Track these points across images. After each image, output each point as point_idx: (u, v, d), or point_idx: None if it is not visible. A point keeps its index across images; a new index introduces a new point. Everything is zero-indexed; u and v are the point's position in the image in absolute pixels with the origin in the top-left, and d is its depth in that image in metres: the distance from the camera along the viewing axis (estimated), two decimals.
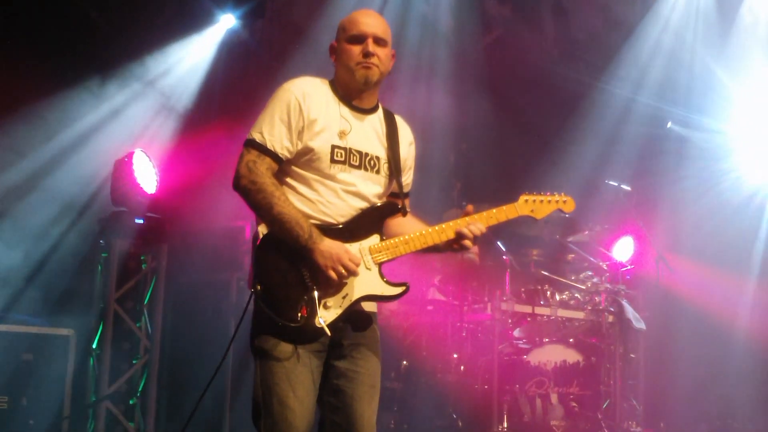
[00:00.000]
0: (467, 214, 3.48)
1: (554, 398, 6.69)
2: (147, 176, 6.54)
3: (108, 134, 7.17)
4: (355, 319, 3.37)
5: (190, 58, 7.90)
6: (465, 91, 9.07)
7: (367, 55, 3.38)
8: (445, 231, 3.44)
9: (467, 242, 3.45)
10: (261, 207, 3.25)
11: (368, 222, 3.39)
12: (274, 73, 8.01)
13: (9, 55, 6.63)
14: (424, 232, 3.42)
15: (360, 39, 3.40)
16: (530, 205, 3.61)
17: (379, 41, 3.42)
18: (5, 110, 6.55)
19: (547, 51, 9.77)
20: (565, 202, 3.67)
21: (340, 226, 3.34)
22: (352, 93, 3.45)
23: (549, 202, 3.64)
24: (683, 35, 8.99)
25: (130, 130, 7.30)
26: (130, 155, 6.47)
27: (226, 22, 8.11)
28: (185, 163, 7.21)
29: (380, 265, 3.36)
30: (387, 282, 3.36)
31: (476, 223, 3.45)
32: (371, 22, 3.44)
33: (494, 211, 3.52)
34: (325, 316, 3.24)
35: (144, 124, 7.42)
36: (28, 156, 6.77)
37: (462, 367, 6.88)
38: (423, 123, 8.68)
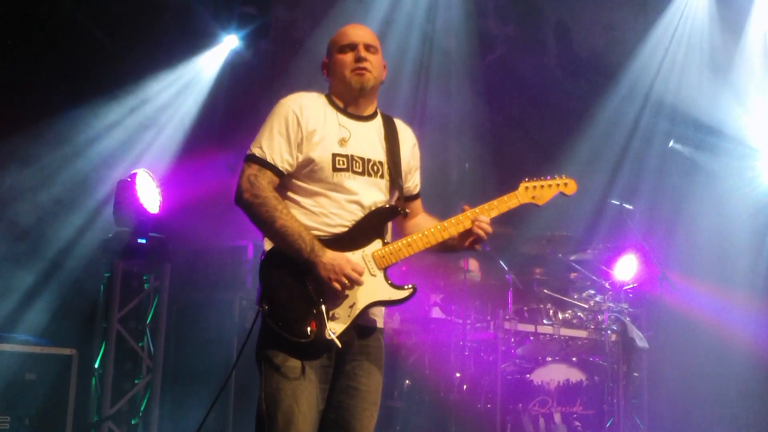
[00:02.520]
0: (464, 212, 3.47)
1: (557, 417, 6.66)
2: (150, 196, 6.56)
3: (112, 154, 7.21)
4: (360, 334, 3.37)
5: (194, 79, 7.95)
6: (468, 109, 9.10)
7: (359, 59, 3.44)
8: (447, 229, 3.43)
9: (479, 231, 3.42)
10: (263, 221, 3.26)
11: (369, 228, 3.38)
12: (278, 92, 7.98)
13: (14, 75, 6.68)
14: (426, 232, 3.41)
15: (351, 47, 3.46)
16: (531, 191, 3.58)
17: (369, 48, 3.48)
18: (11, 129, 6.58)
19: (549, 69, 9.79)
20: (566, 184, 3.65)
21: (341, 235, 3.33)
22: (349, 102, 3.49)
23: (550, 186, 3.62)
24: (686, 53, 9.01)
25: (134, 149, 7.33)
26: (133, 175, 6.50)
27: (230, 42, 8.16)
28: (188, 182, 7.23)
29: (385, 270, 3.35)
30: (393, 286, 3.35)
31: (480, 216, 3.43)
32: (359, 32, 3.51)
33: (495, 202, 3.50)
34: (334, 328, 3.24)
35: (147, 143, 7.46)
36: (32, 175, 6.80)
37: (465, 386, 6.85)
38: (425, 142, 8.70)
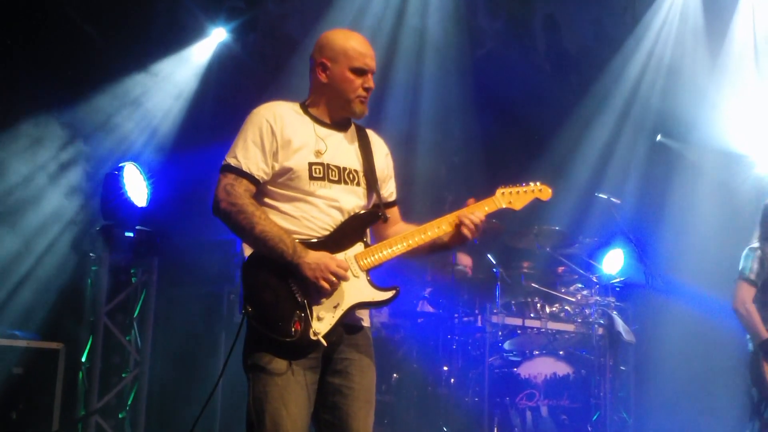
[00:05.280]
0: (468, 205, 3.51)
1: (544, 411, 6.69)
2: (138, 190, 6.54)
3: (99, 147, 7.18)
4: (348, 333, 3.38)
5: (182, 71, 7.92)
6: (457, 104, 9.11)
7: (368, 90, 3.48)
8: (426, 232, 3.46)
9: (467, 232, 3.46)
10: (242, 228, 3.27)
11: (350, 231, 3.40)
12: (267, 86, 8.04)
13: (3, 68, 6.65)
14: (407, 235, 3.44)
15: (364, 72, 3.47)
16: (507, 197, 3.63)
17: (373, 74, 3.52)
18: None
19: (538, 64, 9.81)
20: (540, 190, 3.70)
21: (323, 239, 3.35)
22: (332, 115, 3.50)
23: (525, 192, 3.67)
24: (673, 49, 9.04)
25: (122, 143, 7.31)
26: (121, 169, 6.48)
27: (218, 35, 8.13)
28: (176, 176, 7.22)
29: (367, 271, 3.38)
30: (376, 287, 3.37)
31: (471, 215, 3.46)
32: (371, 54, 3.52)
33: (473, 207, 3.54)
34: (319, 328, 3.24)
35: (136, 136, 7.43)
36: (18, 168, 6.77)
37: (452, 380, 6.88)
38: (415, 137, 8.72)
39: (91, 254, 6.57)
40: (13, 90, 6.64)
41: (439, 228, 3.48)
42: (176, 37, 7.83)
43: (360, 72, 3.46)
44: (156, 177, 6.88)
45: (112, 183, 6.45)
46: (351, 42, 3.51)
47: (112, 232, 6.47)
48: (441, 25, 9.04)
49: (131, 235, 6.51)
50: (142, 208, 6.56)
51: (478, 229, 3.47)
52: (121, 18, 7.38)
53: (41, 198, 6.81)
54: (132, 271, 6.76)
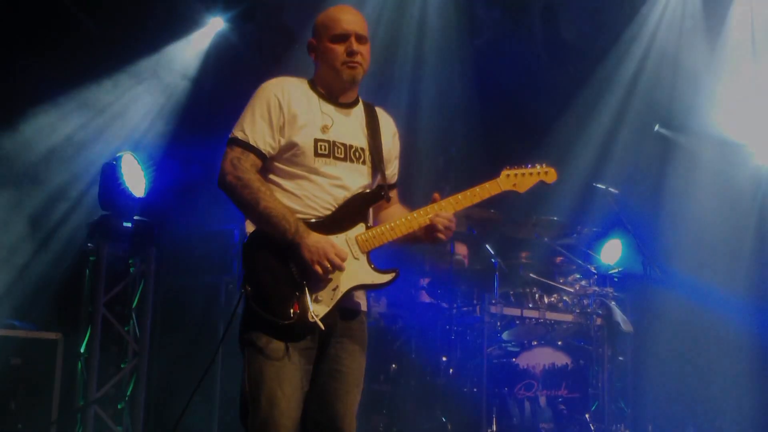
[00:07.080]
0: (435, 201, 3.47)
1: (543, 401, 6.71)
2: (136, 180, 6.53)
3: (97, 137, 7.17)
4: (343, 318, 3.38)
5: (180, 61, 7.89)
6: (454, 94, 9.09)
7: (351, 54, 3.41)
8: (429, 214, 3.44)
9: (440, 230, 3.43)
10: (247, 203, 3.26)
11: (353, 211, 3.38)
12: (264, 75, 7.93)
13: (5, 59, 6.63)
14: (408, 217, 3.43)
15: (343, 38, 3.42)
16: (512, 179, 3.62)
17: (360, 39, 3.45)
18: None
19: (536, 54, 9.78)
20: (546, 173, 3.68)
21: (325, 218, 3.34)
22: (335, 90, 3.48)
23: (531, 174, 3.65)
24: (671, 38, 9.02)
25: (119, 132, 7.29)
26: (119, 159, 6.47)
27: (216, 25, 8.10)
28: (174, 166, 7.21)
29: (368, 253, 3.37)
30: (376, 270, 3.37)
31: (441, 213, 3.42)
32: (352, 20, 3.46)
33: (477, 189, 3.53)
34: (318, 311, 3.24)
35: (133, 126, 7.41)
36: (16, 158, 6.75)
37: (451, 370, 6.90)
38: (412, 126, 8.70)
39: (89, 244, 6.56)
40: (8, 81, 6.62)
41: (441, 209, 3.44)
42: (174, 26, 7.80)
43: (339, 38, 3.42)
44: (154, 167, 6.86)
45: (109, 173, 6.44)
46: (327, 13, 3.50)
47: (110, 222, 6.47)
48: (439, 14, 9.00)
49: (129, 225, 6.50)
50: (140, 198, 6.55)
51: (449, 230, 3.43)
52: (118, 8, 7.34)
53: (39, 189, 6.80)
54: (130, 261, 6.76)
